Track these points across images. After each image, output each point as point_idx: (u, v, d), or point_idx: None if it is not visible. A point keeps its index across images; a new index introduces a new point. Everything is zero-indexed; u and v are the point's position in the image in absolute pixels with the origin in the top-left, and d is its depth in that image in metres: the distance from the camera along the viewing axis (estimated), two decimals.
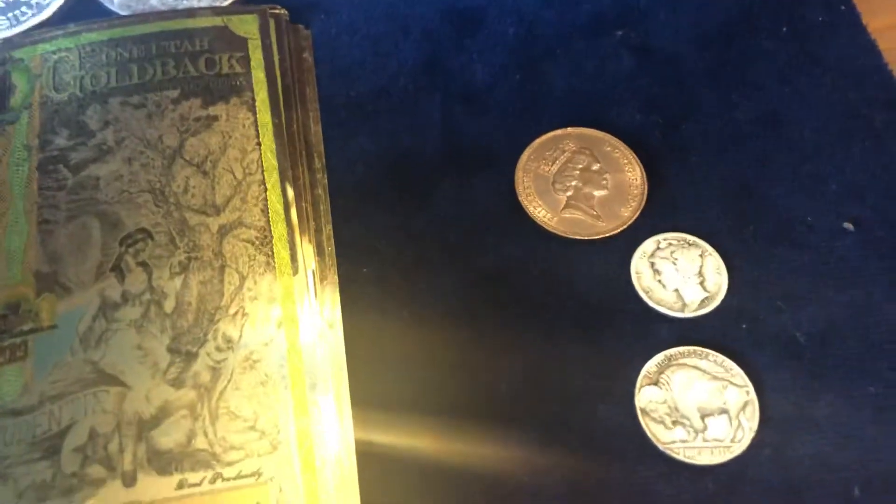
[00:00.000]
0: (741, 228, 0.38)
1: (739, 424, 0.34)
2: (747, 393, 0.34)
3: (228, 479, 0.31)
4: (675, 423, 0.34)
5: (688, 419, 0.34)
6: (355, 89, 0.42)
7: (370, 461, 0.32)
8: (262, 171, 0.37)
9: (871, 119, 0.41)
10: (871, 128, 0.41)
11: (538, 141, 0.40)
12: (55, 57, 0.39)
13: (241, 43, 0.39)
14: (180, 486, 0.31)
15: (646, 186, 0.39)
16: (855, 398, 0.34)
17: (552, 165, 0.39)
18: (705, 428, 0.34)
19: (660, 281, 0.37)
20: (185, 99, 0.39)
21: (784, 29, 0.44)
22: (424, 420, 0.34)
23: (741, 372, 0.35)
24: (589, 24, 0.44)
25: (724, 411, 0.34)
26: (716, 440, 0.33)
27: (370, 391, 0.34)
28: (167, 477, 0.31)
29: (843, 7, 0.44)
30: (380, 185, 0.39)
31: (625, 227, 0.38)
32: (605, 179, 0.39)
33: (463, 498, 0.32)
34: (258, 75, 0.39)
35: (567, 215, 0.38)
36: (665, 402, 0.34)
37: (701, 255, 0.37)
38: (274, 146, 0.38)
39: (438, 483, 0.33)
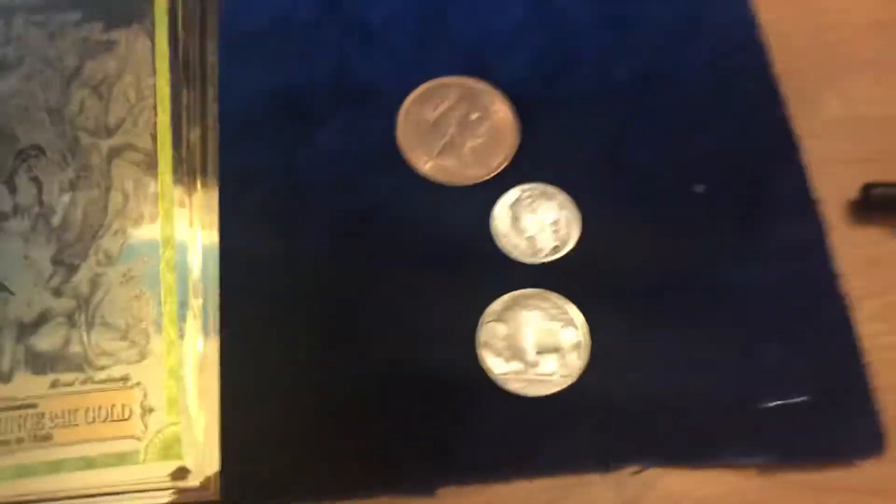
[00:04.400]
0: (602, 184, 0.41)
1: (568, 362, 0.37)
2: (581, 334, 0.38)
3: (98, 382, 0.35)
4: (511, 357, 0.37)
5: (523, 354, 0.38)
6: (255, 20, 0.43)
7: (233, 375, 0.36)
8: (155, 98, 0.39)
9: (740, 89, 0.43)
10: (740, 97, 0.43)
11: (423, 87, 0.42)
12: None
13: None
14: (54, 385, 0.34)
15: (518, 138, 0.41)
16: (680, 343, 0.38)
17: (434, 111, 0.42)
18: (538, 363, 0.37)
19: (517, 228, 0.40)
20: (87, 21, 0.40)
21: None
22: (288, 337, 0.37)
23: (578, 314, 0.38)
24: None
25: (557, 349, 0.38)
26: (545, 375, 0.37)
27: (241, 311, 0.37)
28: (42, 376, 0.35)
29: None
30: (268, 116, 0.41)
31: (492, 175, 0.41)
32: (481, 129, 0.41)
33: (323, 409, 0.36)
34: (160, 2, 0.41)
35: (440, 162, 0.41)
36: (505, 337, 0.38)
37: (559, 207, 0.40)
38: (169, 74, 0.40)
39: (300, 396, 0.36)
